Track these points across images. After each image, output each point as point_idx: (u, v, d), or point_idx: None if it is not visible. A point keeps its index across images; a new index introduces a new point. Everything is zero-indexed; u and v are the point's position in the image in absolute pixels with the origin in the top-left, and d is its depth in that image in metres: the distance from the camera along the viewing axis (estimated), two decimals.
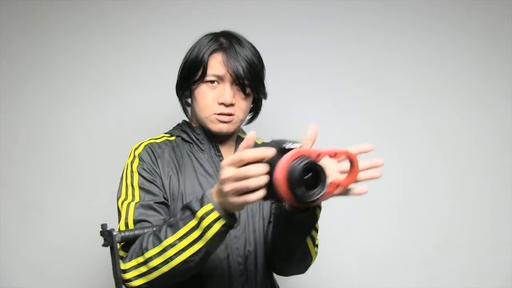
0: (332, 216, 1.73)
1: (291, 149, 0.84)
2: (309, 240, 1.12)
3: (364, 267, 1.83)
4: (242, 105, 1.21)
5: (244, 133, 1.34)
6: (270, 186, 0.83)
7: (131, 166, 1.18)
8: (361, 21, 1.86)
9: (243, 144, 0.86)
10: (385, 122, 1.86)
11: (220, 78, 1.19)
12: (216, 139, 1.25)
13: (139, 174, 1.16)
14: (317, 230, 1.14)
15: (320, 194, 0.83)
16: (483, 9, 1.87)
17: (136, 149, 1.21)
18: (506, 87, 1.88)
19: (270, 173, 0.83)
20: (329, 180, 0.85)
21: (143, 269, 1.01)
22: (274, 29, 1.80)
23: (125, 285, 1.04)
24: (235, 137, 1.30)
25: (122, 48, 1.80)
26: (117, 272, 1.00)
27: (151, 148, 1.21)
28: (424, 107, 1.87)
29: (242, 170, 0.83)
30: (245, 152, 0.84)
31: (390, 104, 1.86)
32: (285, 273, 1.24)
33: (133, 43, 1.80)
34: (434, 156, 1.86)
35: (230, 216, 0.93)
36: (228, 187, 0.85)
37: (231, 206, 0.89)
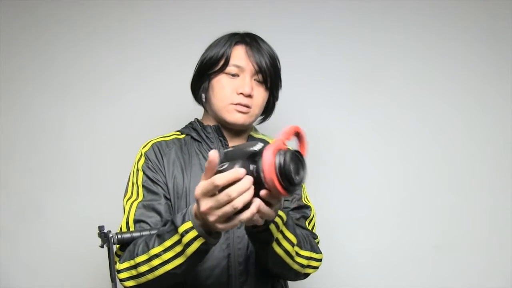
0: (332, 217, 1.74)
1: (261, 150, 0.80)
2: (282, 254, 1.05)
3: (364, 267, 1.83)
4: (259, 100, 1.22)
5: (256, 131, 1.33)
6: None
7: (138, 164, 1.20)
8: (362, 21, 1.86)
9: (208, 167, 0.82)
10: (386, 122, 1.85)
11: (241, 70, 1.20)
12: (227, 137, 1.24)
13: (144, 172, 1.18)
14: (293, 245, 1.06)
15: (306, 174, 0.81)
16: (483, 9, 1.87)
17: (144, 147, 1.23)
18: (506, 87, 1.88)
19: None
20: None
21: (133, 272, 1.02)
22: (274, 30, 1.80)
23: (121, 284, 1.05)
24: (247, 136, 1.29)
25: (122, 47, 1.80)
26: (113, 273, 1.02)
27: (158, 147, 1.21)
28: (425, 107, 1.87)
29: (223, 197, 0.79)
30: (217, 178, 0.79)
31: (391, 104, 1.86)
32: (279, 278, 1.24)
33: (133, 42, 1.80)
34: (434, 156, 1.86)
35: (211, 234, 0.91)
36: (212, 217, 0.83)
37: (219, 229, 0.86)
